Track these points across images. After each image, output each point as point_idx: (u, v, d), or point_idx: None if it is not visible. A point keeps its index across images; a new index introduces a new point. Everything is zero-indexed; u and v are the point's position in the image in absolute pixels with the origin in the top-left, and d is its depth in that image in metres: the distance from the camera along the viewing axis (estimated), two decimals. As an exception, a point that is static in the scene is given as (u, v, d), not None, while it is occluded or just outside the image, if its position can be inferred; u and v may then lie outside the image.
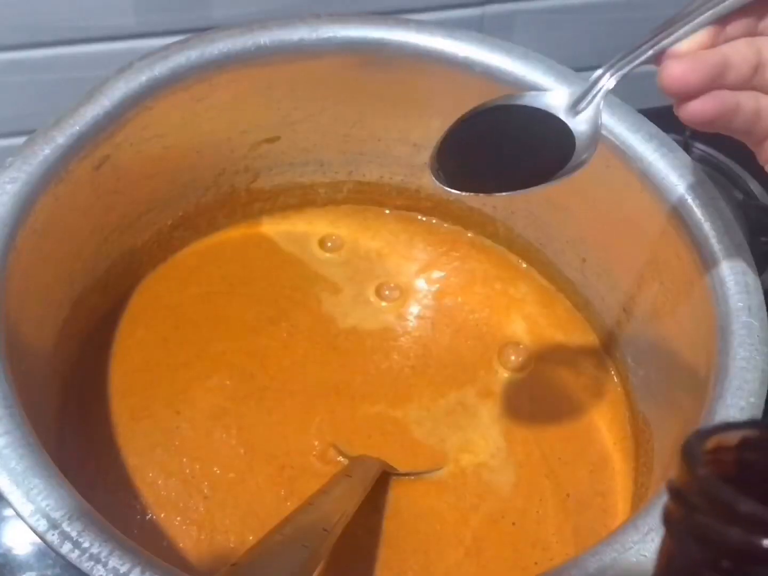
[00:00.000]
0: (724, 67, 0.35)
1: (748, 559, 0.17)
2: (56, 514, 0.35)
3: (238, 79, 0.54)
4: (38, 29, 0.62)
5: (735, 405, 0.40)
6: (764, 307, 0.44)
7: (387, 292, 0.61)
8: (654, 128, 0.51)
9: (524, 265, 0.63)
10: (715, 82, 0.35)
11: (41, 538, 0.34)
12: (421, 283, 0.62)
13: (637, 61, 0.37)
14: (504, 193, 0.38)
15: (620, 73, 0.37)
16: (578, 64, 0.55)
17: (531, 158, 0.39)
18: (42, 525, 0.35)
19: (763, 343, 0.43)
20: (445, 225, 0.65)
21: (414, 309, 0.60)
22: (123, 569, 0.34)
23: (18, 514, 0.35)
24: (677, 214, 0.48)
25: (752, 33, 0.37)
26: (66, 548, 0.34)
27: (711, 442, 0.20)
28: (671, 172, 0.49)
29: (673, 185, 0.49)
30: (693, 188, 0.48)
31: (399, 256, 0.63)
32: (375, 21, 0.54)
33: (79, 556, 0.34)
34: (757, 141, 0.38)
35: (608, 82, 0.37)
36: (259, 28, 0.53)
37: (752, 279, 0.45)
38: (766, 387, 0.41)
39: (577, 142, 0.38)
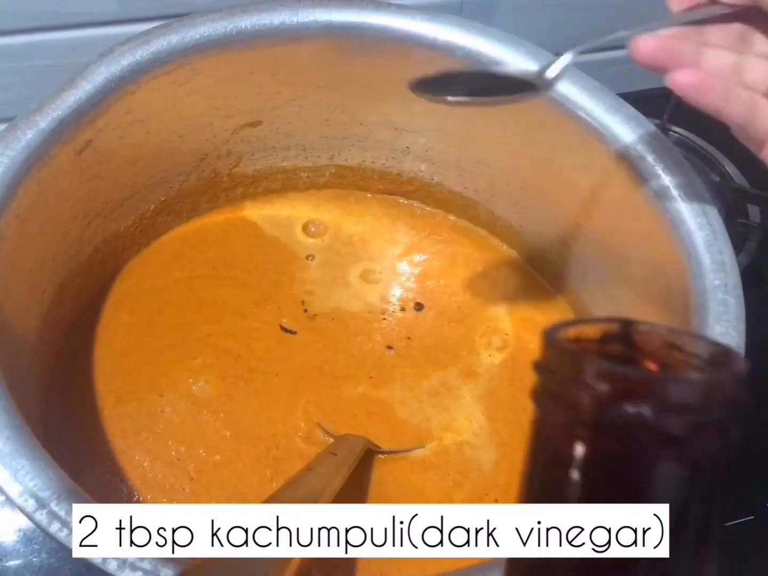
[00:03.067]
0: (698, 54, 0.39)
1: (600, 411, 0.20)
2: (44, 494, 0.35)
3: (220, 63, 0.54)
4: (19, 15, 0.61)
5: (711, 380, 0.41)
6: (740, 285, 0.45)
7: (370, 276, 0.61)
8: (631, 110, 0.51)
9: (506, 248, 0.64)
10: (689, 60, 0.39)
11: (29, 518, 0.35)
12: (403, 267, 0.62)
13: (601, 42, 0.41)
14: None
15: (582, 48, 0.42)
16: (557, 48, 0.55)
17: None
18: (30, 505, 0.35)
19: (738, 320, 0.44)
20: (427, 208, 0.66)
21: (397, 292, 0.61)
22: (111, 547, 0.34)
23: (6, 495, 0.35)
24: (654, 194, 0.49)
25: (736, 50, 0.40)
26: (54, 527, 0.35)
27: (572, 331, 0.22)
28: (648, 153, 0.50)
29: (650, 166, 0.49)
30: (670, 169, 0.49)
31: (382, 240, 0.63)
32: (356, 5, 0.55)
33: (68, 535, 0.34)
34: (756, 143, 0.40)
35: (571, 57, 0.42)
36: (239, 12, 0.53)
37: (728, 257, 0.46)
38: (742, 362, 0.42)
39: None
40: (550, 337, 0.22)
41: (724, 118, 0.40)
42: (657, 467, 0.20)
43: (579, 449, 0.20)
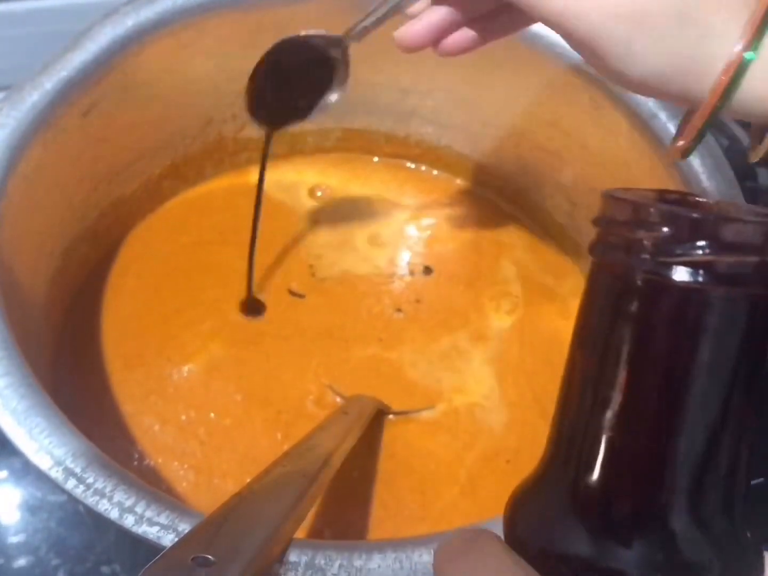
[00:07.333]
0: (449, 17, 0.40)
1: (661, 250, 0.20)
2: (59, 452, 0.35)
3: (225, 24, 0.53)
4: (18, -20, 0.61)
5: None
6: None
7: (378, 239, 0.61)
8: (643, 67, 0.51)
9: (514, 211, 0.63)
10: (446, 31, 0.41)
11: (46, 474, 0.35)
12: (411, 230, 0.62)
13: (369, 24, 0.45)
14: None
15: (356, 36, 0.46)
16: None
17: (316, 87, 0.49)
18: (46, 462, 0.35)
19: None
20: (435, 172, 0.65)
21: (405, 255, 0.60)
22: (128, 503, 0.34)
23: (22, 453, 0.35)
24: (667, 152, 0.49)
25: None
26: (71, 484, 0.34)
27: (629, 193, 0.22)
28: (660, 111, 0.49)
29: (662, 124, 0.49)
30: (682, 126, 0.48)
31: (389, 204, 0.63)
32: (362, -37, 0.54)
33: (84, 491, 0.34)
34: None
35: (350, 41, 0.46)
36: (245, -29, 0.53)
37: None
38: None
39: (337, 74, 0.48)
40: (609, 193, 0.22)
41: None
42: (717, 306, 0.20)
43: (639, 286, 0.20)
